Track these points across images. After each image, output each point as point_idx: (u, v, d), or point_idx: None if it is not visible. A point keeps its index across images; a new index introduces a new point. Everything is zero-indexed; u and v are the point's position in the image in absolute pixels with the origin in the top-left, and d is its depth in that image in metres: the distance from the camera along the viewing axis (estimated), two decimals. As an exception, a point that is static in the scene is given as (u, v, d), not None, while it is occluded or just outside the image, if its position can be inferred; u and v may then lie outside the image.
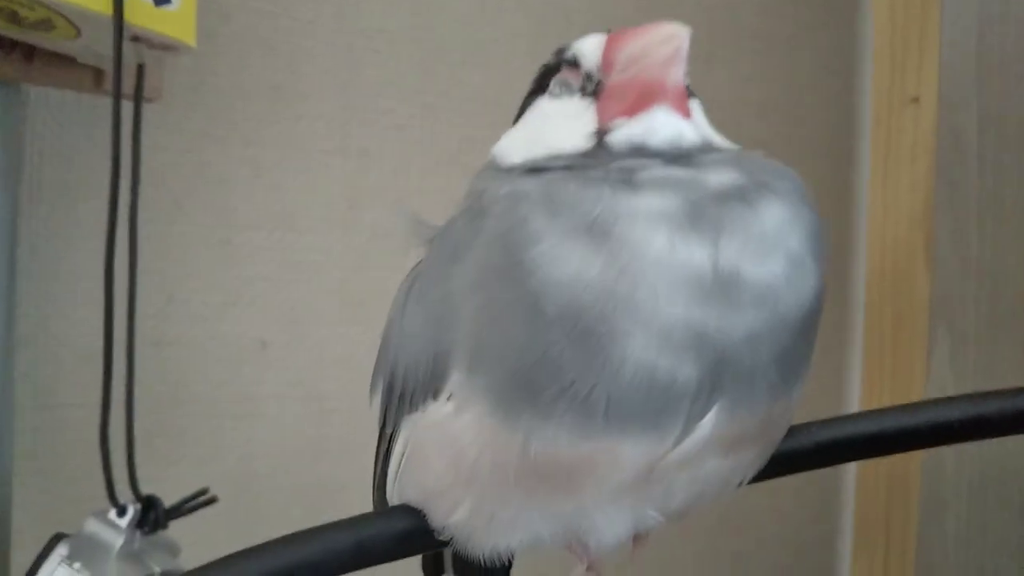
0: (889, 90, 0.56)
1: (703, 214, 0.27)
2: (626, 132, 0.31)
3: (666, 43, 0.29)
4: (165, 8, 0.49)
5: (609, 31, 0.33)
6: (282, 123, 0.68)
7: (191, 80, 0.64)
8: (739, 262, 0.27)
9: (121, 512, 0.53)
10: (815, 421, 0.34)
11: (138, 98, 0.54)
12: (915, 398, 0.47)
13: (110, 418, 0.53)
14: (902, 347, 0.55)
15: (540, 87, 0.35)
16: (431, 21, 0.73)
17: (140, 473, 0.55)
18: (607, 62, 0.32)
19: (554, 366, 0.27)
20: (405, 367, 0.32)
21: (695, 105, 0.33)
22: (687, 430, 0.28)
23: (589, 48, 0.33)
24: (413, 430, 0.33)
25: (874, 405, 0.48)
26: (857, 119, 0.89)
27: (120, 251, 0.53)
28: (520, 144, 0.34)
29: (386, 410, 0.35)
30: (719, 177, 0.28)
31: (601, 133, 0.31)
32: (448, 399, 0.30)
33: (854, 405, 0.60)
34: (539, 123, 0.34)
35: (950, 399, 0.32)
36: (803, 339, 0.29)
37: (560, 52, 0.34)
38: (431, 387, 0.31)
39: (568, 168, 0.30)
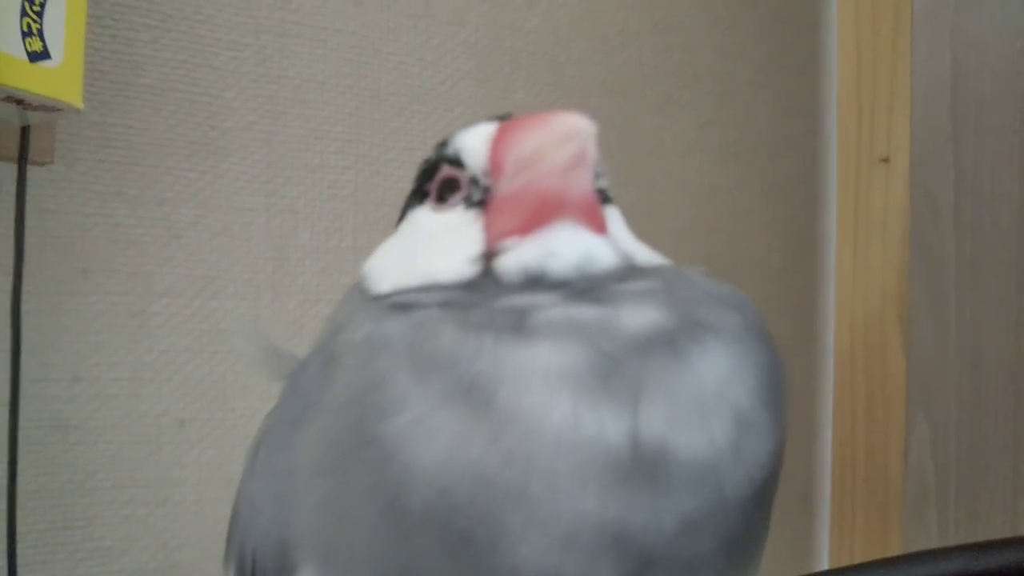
0: (856, 149, 0.51)
1: (618, 371, 0.21)
2: (519, 256, 0.24)
3: (566, 143, 0.23)
4: (43, 64, 0.44)
5: (502, 118, 0.27)
6: (201, 180, 0.63)
7: (100, 137, 0.59)
8: (667, 434, 0.21)
9: (3, 628, 0.47)
10: None
11: (22, 162, 0.49)
12: (893, 496, 0.42)
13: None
14: (876, 435, 0.50)
15: (420, 191, 0.29)
16: (364, 67, 0.69)
17: (46, 572, 0.50)
18: (495, 164, 0.25)
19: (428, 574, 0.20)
20: (253, 548, 0.26)
21: (612, 213, 0.27)
22: None
23: (474, 144, 0.26)
24: None
25: (846, 505, 0.43)
26: (824, 169, 0.84)
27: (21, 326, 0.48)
28: (391, 266, 0.28)
29: None
30: (640, 316, 0.22)
31: (488, 256, 0.25)
32: None
33: (824, 503, 0.55)
34: (414, 240, 0.28)
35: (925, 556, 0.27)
36: (758, 514, 0.22)
37: (442, 147, 0.28)
38: (282, 574, 0.25)
39: (444, 306, 0.23)
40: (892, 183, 0.50)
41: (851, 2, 0.53)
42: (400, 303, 0.25)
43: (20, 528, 0.53)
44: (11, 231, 0.52)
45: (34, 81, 0.43)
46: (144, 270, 0.61)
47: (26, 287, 0.54)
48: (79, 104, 0.46)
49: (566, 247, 0.24)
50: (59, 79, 0.45)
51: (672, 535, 0.20)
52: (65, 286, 0.58)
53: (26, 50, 0.43)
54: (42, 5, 0.43)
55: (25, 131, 0.49)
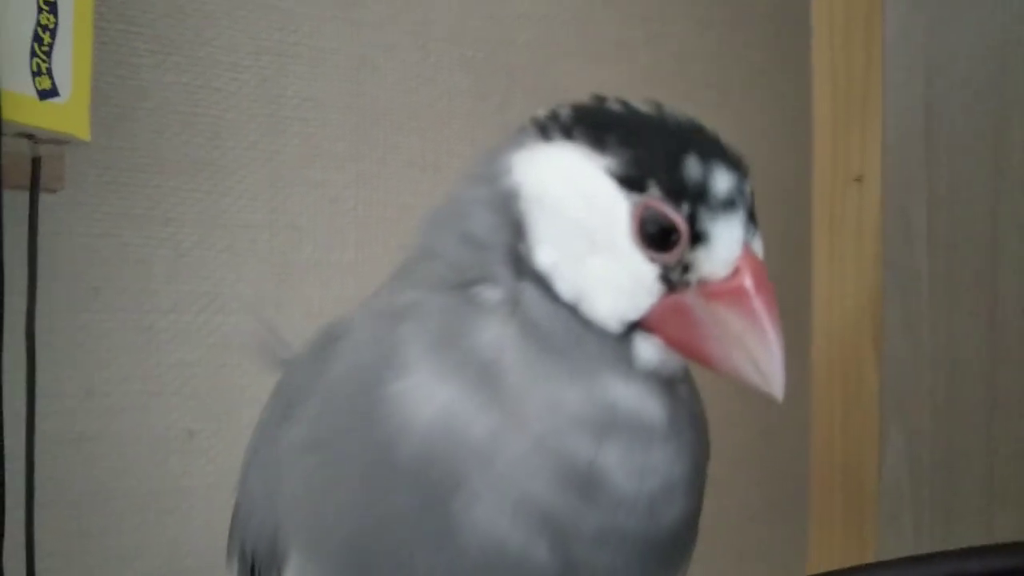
0: (832, 168, 0.53)
1: (612, 428, 0.26)
2: (654, 354, 0.27)
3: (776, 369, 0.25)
4: (53, 101, 0.46)
5: (747, 216, 0.27)
6: (205, 199, 0.65)
7: (107, 161, 0.61)
8: (612, 470, 0.25)
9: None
10: None
11: (34, 191, 0.51)
12: (868, 504, 0.44)
13: (6, 526, 0.50)
14: (852, 446, 0.52)
15: (639, 179, 0.26)
16: (363, 85, 0.71)
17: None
18: (716, 295, 0.26)
19: (393, 537, 0.24)
20: (253, 539, 0.29)
21: None
22: None
23: (727, 249, 0.26)
24: None
25: (825, 510, 0.45)
26: (807, 184, 0.85)
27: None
28: (562, 235, 0.27)
29: None
30: (651, 417, 0.27)
31: (634, 328, 0.27)
32: None
33: (804, 510, 0.57)
34: (601, 242, 0.26)
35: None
36: (668, 550, 0.27)
37: (699, 172, 0.26)
38: (274, 566, 0.27)
39: (572, 353, 0.26)
40: (866, 201, 0.51)
41: (825, 27, 0.55)
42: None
43: (37, 536, 0.55)
44: (25, 255, 0.54)
45: (44, 117, 0.46)
46: (152, 287, 0.63)
47: (40, 307, 0.56)
48: (86, 137, 0.48)
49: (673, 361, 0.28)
50: (67, 114, 0.47)
51: (590, 541, 0.25)
52: (77, 304, 0.61)
53: (36, 88, 0.45)
54: (50, 45, 0.45)
55: (36, 162, 0.51)
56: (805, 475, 0.56)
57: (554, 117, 0.28)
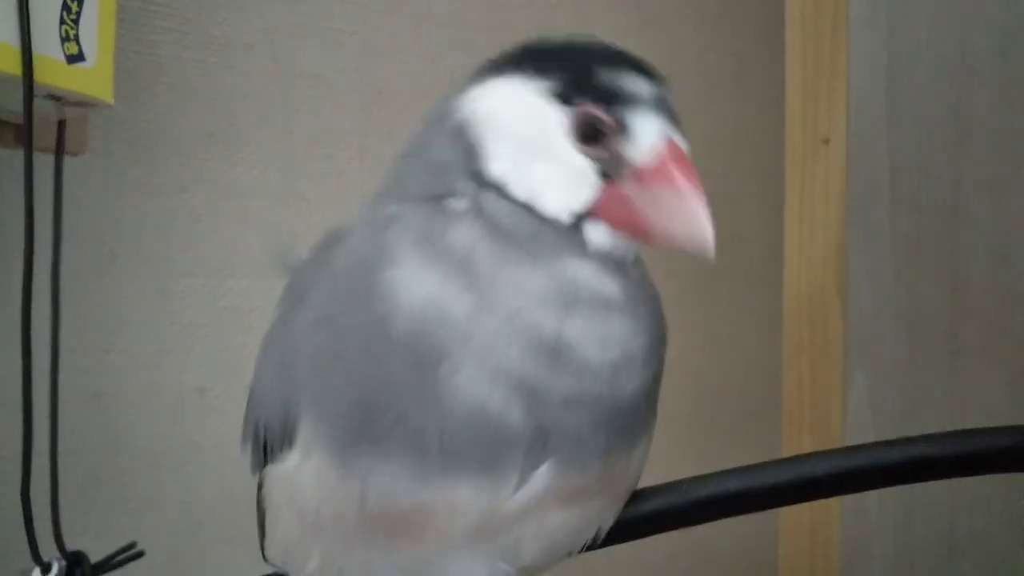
0: (802, 132, 0.56)
1: (574, 304, 0.29)
2: (603, 237, 0.31)
3: (704, 235, 0.29)
4: (79, 66, 0.50)
5: (659, 104, 0.31)
6: (219, 170, 0.68)
7: (126, 130, 0.65)
8: (577, 340, 0.29)
9: (46, 570, 0.53)
10: (660, 485, 0.35)
11: (59, 153, 0.54)
12: (835, 444, 0.47)
13: (33, 473, 0.53)
14: (819, 390, 0.55)
15: (564, 89, 0.31)
16: (370, 65, 0.74)
17: (79, 527, 0.55)
18: (650, 177, 0.30)
19: (390, 395, 0.28)
20: (266, 416, 0.32)
21: None
22: (523, 479, 0.28)
23: (649, 137, 0.30)
24: (270, 482, 0.33)
25: (795, 446, 0.48)
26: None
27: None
28: (510, 148, 0.31)
29: (254, 462, 0.35)
30: (610, 291, 0.30)
31: (582, 217, 0.31)
32: (296, 448, 0.30)
33: (779, 445, 0.61)
34: (541, 147, 0.31)
35: (783, 462, 0.33)
36: (629, 418, 0.30)
37: (607, 77, 0.31)
38: (285, 435, 0.31)
39: (533, 243, 0.30)
40: (831, 162, 0.55)
41: (797, 6, 0.59)
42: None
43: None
44: (49, 216, 0.58)
45: (72, 80, 0.49)
46: (167, 252, 0.67)
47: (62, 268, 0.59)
48: (110, 100, 0.52)
49: (628, 246, 0.32)
50: (93, 78, 0.50)
51: (559, 405, 0.28)
52: (95, 267, 0.64)
53: (64, 53, 0.48)
54: (78, 13, 0.49)
55: (61, 124, 0.54)
56: (777, 416, 0.60)
57: (504, 55, 0.33)
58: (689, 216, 0.29)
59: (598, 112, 0.30)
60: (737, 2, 0.90)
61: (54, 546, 0.54)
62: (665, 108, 0.31)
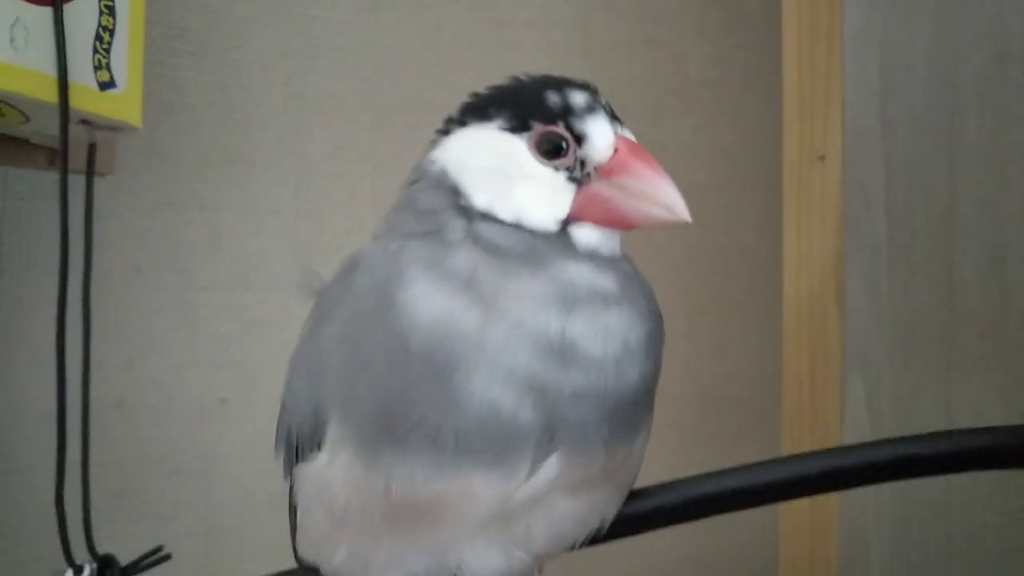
0: (799, 149, 0.59)
1: (574, 303, 0.32)
2: (590, 236, 0.34)
3: (673, 206, 0.33)
4: (111, 92, 0.53)
5: (608, 112, 0.35)
6: (236, 188, 0.71)
7: (149, 151, 0.68)
8: (580, 338, 0.31)
9: (78, 572, 0.55)
10: (658, 484, 0.38)
11: (90, 174, 0.57)
12: (833, 445, 0.50)
13: (66, 480, 0.55)
14: (818, 396, 0.58)
15: (523, 120, 0.35)
16: (380, 85, 0.77)
17: (105, 532, 0.57)
18: (612, 171, 0.34)
19: (410, 402, 0.31)
20: (298, 422, 0.35)
21: None
22: (533, 470, 0.31)
23: (602, 139, 0.35)
24: (301, 480, 0.35)
25: (795, 451, 0.50)
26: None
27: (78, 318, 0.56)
28: (487, 180, 0.35)
29: (286, 465, 0.37)
30: (605, 286, 0.33)
31: (567, 223, 0.34)
32: (324, 449, 0.33)
33: (779, 449, 0.63)
34: (513, 171, 0.35)
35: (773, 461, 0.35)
36: (630, 409, 0.33)
37: (555, 97, 0.35)
38: (315, 439, 0.34)
39: (528, 255, 0.33)
40: (827, 178, 0.58)
41: (794, 22, 0.61)
42: (501, 229, 0.34)
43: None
44: (80, 234, 0.60)
45: (104, 106, 0.52)
46: (189, 267, 0.69)
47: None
48: (139, 124, 0.54)
49: (610, 241, 0.36)
50: (123, 103, 0.53)
51: (568, 397, 0.31)
52: (121, 282, 0.67)
53: (97, 81, 0.51)
54: (110, 43, 0.52)
55: (92, 147, 0.57)
56: (778, 421, 0.63)
57: (449, 119, 0.38)
58: (657, 193, 0.33)
59: (555, 128, 0.35)
60: (737, 21, 0.92)
61: (85, 549, 0.56)
62: (609, 111, 0.35)
